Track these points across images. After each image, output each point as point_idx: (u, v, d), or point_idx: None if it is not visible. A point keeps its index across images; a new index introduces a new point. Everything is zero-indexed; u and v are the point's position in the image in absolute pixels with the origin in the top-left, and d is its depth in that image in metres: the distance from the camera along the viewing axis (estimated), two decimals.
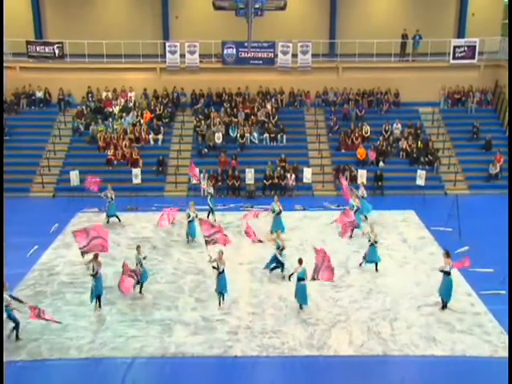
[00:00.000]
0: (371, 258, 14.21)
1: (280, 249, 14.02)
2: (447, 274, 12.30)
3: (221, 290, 12.69)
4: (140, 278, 13.04)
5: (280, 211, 16.64)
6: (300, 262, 12.39)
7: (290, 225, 17.53)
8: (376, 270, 14.23)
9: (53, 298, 13.03)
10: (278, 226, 16.14)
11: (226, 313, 12.40)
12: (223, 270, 12.66)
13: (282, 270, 14.05)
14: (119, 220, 17.76)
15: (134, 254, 13.34)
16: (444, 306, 12.42)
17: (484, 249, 15.18)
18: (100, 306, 12.67)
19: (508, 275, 13.36)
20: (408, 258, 15.15)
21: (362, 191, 18.02)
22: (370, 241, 14.16)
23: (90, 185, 18.54)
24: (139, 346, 11.16)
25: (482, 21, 26.18)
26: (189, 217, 16.12)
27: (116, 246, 15.86)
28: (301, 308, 12.40)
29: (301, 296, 12.35)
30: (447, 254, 12.46)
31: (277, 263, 14.10)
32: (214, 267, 12.72)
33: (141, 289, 13.19)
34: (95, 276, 12.52)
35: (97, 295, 12.62)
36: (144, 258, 13.27)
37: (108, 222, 17.62)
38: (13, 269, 14.13)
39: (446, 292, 12.38)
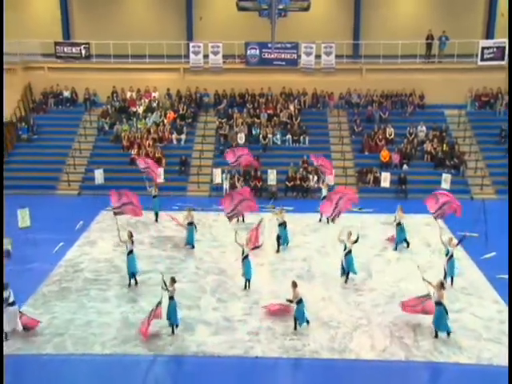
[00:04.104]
0: (450, 272, 13.48)
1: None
2: (439, 304, 11.33)
3: (246, 276, 13.25)
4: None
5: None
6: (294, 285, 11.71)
7: (312, 227, 17.50)
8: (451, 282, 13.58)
9: (78, 295, 13.26)
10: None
11: (247, 313, 12.41)
12: (247, 255, 13.15)
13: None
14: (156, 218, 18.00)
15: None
16: (436, 335, 11.48)
17: None
18: (136, 283, 13.55)
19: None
20: (432, 262, 14.85)
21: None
22: (447, 254, 13.48)
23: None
24: (161, 344, 11.25)
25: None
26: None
27: (138, 245, 16.02)
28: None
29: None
30: (441, 285, 11.38)
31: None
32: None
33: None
34: (129, 254, 13.37)
35: (131, 273, 13.47)
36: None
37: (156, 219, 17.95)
38: (40, 264, 14.54)
39: (437, 321, 11.40)
